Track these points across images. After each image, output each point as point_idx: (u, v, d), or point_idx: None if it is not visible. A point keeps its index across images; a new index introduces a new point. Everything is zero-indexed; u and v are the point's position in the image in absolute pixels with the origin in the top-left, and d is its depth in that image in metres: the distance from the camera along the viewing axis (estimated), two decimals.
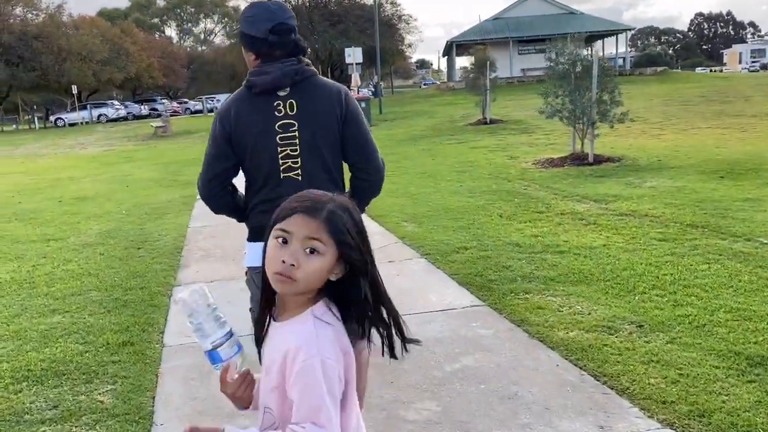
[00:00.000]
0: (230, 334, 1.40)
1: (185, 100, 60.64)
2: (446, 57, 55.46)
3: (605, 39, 48.13)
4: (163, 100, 55.23)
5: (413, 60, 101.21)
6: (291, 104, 2.33)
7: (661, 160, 10.84)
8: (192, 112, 50.57)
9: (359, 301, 1.37)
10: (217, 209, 2.60)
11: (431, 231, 6.75)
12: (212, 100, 49.92)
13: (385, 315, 1.43)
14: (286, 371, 1.31)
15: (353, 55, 24.29)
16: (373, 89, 35.84)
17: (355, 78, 24.31)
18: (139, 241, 7.06)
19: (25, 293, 5.28)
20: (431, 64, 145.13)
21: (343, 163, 2.52)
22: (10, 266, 6.29)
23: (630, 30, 46.45)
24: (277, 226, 1.33)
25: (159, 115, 40.18)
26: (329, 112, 2.37)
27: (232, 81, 69.37)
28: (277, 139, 2.34)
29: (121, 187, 11.96)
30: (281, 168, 2.36)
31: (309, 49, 2.50)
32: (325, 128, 2.37)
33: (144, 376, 3.54)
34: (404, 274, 5.29)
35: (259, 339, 1.46)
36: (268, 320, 1.45)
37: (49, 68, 42.83)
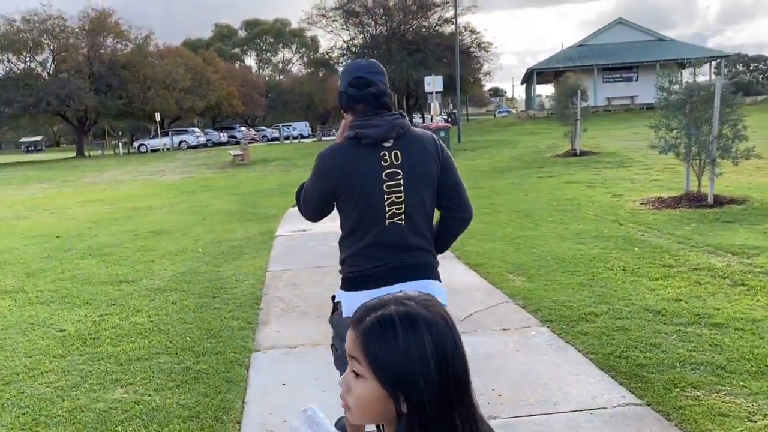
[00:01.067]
0: None
1: (263, 127, 61.69)
2: (524, 85, 54.24)
3: (695, 68, 45.89)
4: (242, 128, 56.30)
5: (487, 88, 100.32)
6: (396, 154, 2.42)
7: None
8: (269, 140, 51.24)
9: None
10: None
11: (546, 288, 5.77)
12: (288, 128, 50.45)
13: None
14: None
15: (433, 83, 23.61)
16: (446, 117, 35.13)
17: (435, 107, 23.60)
18: (215, 287, 6.40)
19: (87, 353, 4.64)
20: (505, 92, 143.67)
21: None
22: (78, 314, 5.72)
23: (723, 57, 44.00)
24: None
25: (237, 143, 40.70)
26: (429, 160, 2.47)
27: (308, 109, 70.37)
28: (384, 187, 2.42)
29: (198, 220, 11.51)
30: (387, 214, 2.43)
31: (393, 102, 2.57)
32: (427, 176, 2.47)
33: None
34: (525, 350, 4.34)
35: None
36: None
37: (134, 96, 44.29)
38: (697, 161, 10.17)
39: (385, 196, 2.42)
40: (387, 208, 2.42)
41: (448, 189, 2.53)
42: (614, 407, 3.44)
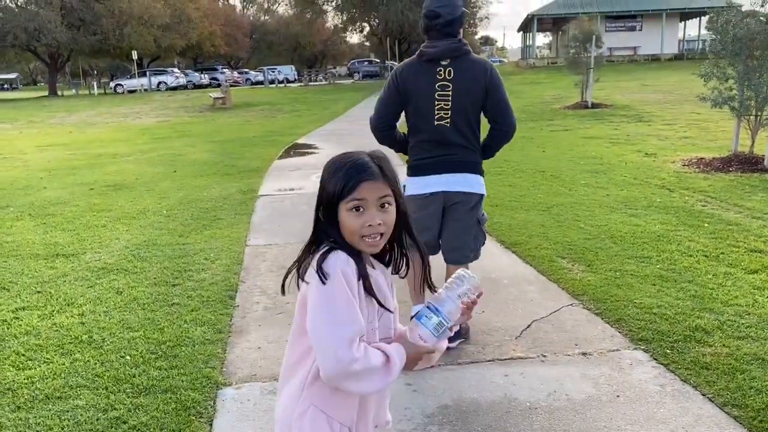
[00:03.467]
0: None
1: (246, 70, 58.99)
2: (521, 32, 52.01)
3: (692, 19, 43.94)
4: (224, 70, 53.67)
5: (477, 36, 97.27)
6: (449, 71, 3.17)
7: None
8: (252, 83, 48.83)
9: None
10: (382, 140, 3.41)
11: (618, 283, 4.33)
12: (273, 71, 47.98)
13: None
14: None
15: None
16: None
17: None
18: (177, 269, 4.89)
19: None
20: (496, 41, 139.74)
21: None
22: None
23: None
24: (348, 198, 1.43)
25: (219, 85, 38.47)
26: (476, 80, 3.18)
27: (294, 52, 67.39)
28: (435, 96, 3.20)
29: (168, 173, 9.89)
30: (435, 117, 3.22)
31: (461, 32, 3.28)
32: (471, 92, 3.19)
33: None
34: (629, 396, 2.91)
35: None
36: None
37: (109, 32, 41.49)
38: (751, 117, 8.71)
39: (435, 103, 3.20)
40: (436, 113, 3.21)
41: (493, 106, 3.24)
42: None
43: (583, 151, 10.76)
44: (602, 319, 3.77)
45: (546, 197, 7.17)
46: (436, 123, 3.19)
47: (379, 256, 1.54)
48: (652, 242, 5.31)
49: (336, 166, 1.45)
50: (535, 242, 5.37)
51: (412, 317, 1.51)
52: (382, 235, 1.44)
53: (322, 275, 1.37)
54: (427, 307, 1.45)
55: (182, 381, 3.07)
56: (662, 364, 3.19)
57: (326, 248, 1.42)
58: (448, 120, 3.18)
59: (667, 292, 4.16)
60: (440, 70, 3.16)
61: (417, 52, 3.23)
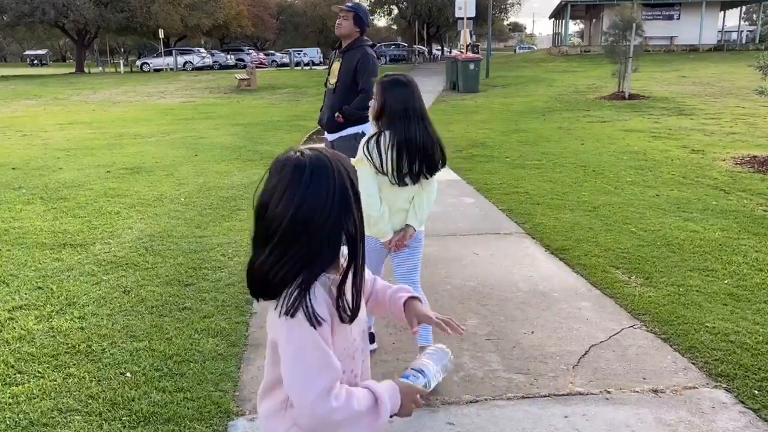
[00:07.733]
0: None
1: (272, 52, 58.54)
2: (553, 19, 50.84)
3: (732, 9, 42.49)
4: (250, 51, 53.26)
5: (506, 23, 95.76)
6: None
7: None
8: (278, 65, 48.38)
9: None
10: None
11: (684, 301, 3.82)
12: (299, 54, 47.43)
13: None
14: None
15: (465, 7, 20.92)
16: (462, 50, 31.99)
17: (465, 35, 21.05)
18: (191, 266, 4.48)
19: None
20: (525, 28, 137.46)
21: None
22: None
23: None
24: None
25: (245, 66, 38.12)
26: None
27: (320, 35, 66.73)
28: None
29: (189, 156, 9.50)
30: None
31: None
32: None
33: None
34: None
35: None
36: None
37: (136, 10, 41.23)
38: None
39: None
40: None
41: None
42: None
43: (624, 144, 10.16)
44: (671, 346, 3.27)
45: (591, 196, 6.64)
46: None
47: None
48: (714, 252, 4.78)
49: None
50: (584, 248, 4.86)
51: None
52: None
53: (291, 314, 1.23)
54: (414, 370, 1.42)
55: (187, 408, 2.65)
56: (751, 408, 2.70)
57: (299, 285, 1.25)
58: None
59: (741, 314, 3.65)
60: None
61: (370, 44, 4.45)
